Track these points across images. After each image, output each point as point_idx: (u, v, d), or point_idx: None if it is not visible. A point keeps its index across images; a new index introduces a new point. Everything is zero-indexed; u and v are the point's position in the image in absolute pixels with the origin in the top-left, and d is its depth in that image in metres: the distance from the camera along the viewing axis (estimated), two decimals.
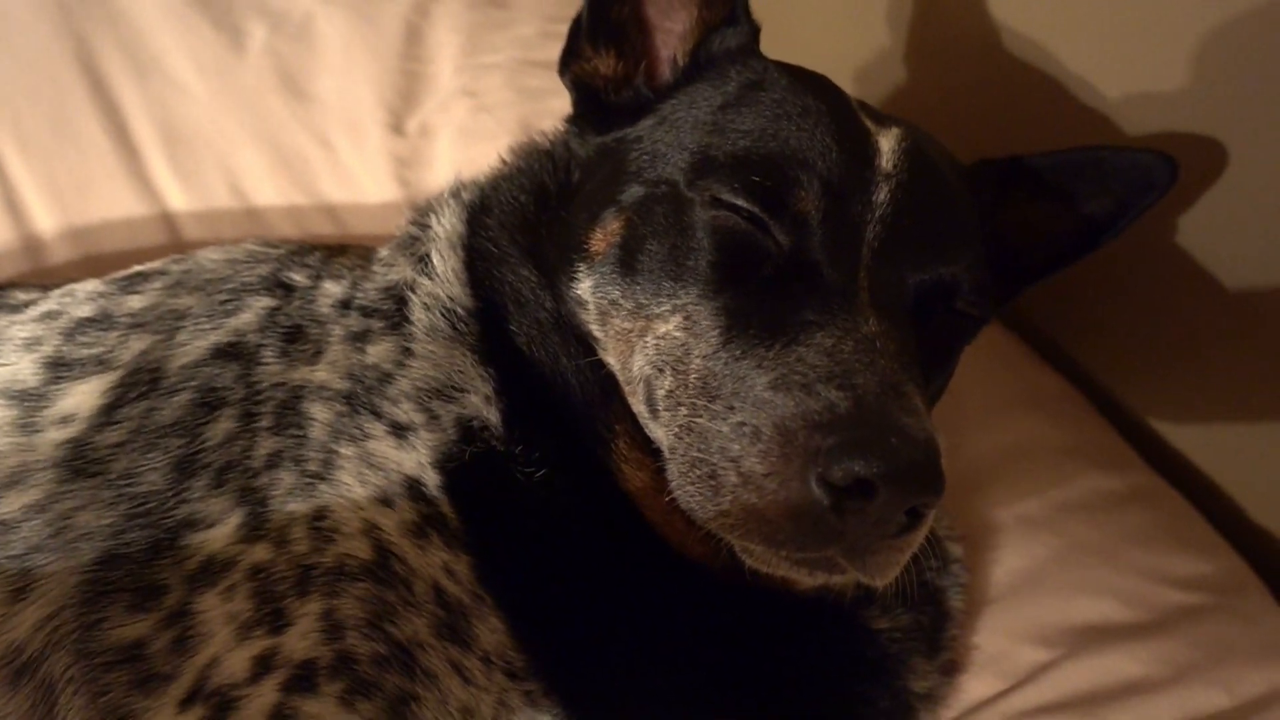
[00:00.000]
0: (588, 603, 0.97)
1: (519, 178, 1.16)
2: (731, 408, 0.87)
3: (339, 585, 0.91)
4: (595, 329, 1.03)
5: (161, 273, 1.17)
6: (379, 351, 1.05)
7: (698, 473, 0.87)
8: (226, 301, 1.10)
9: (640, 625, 0.98)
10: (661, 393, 0.95)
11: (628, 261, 1.00)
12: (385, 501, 0.96)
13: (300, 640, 0.88)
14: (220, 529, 0.94)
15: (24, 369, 1.06)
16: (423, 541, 0.95)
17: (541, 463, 0.98)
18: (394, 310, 1.08)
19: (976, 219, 1.09)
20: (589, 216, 1.05)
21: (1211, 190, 1.29)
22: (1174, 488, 1.40)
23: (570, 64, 1.16)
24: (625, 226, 1.02)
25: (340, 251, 1.20)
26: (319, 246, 1.21)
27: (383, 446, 0.99)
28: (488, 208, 1.14)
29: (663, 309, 0.97)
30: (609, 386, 1.02)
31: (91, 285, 1.16)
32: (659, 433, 0.96)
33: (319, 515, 0.95)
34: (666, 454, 0.93)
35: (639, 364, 0.98)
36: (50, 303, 1.15)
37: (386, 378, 1.03)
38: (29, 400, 1.03)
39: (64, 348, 1.07)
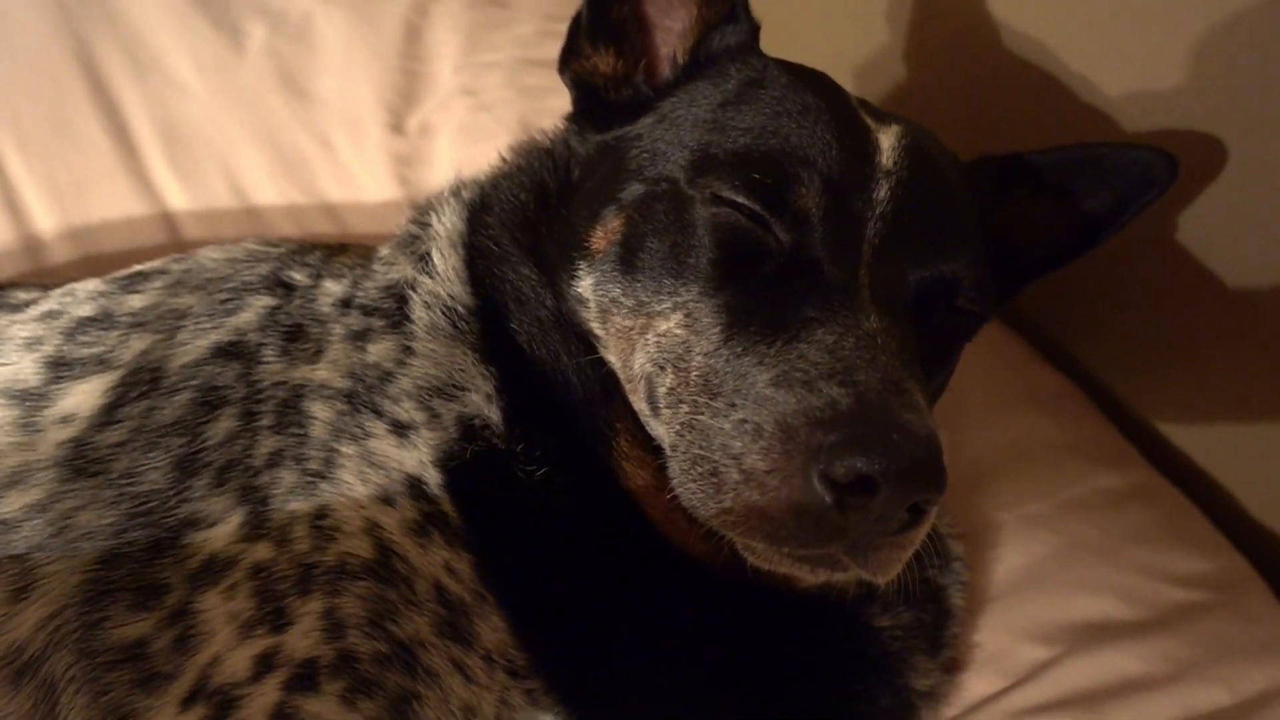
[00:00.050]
0: (589, 601, 0.97)
1: (519, 176, 1.16)
2: (733, 405, 0.87)
3: (340, 584, 0.91)
4: (596, 327, 1.03)
5: (162, 272, 1.17)
6: (380, 350, 1.05)
7: (699, 470, 0.87)
8: (227, 301, 1.10)
9: (641, 623, 0.98)
10: (663, 390, 0.95)
11: (628, 259, 1.00)
12: (386, 500, 0.96)
13: (302, 639, 0.88)
14: (221, 528, 0.94)
15: (25, 368, 1.06)
16: (424, 540, 0.95)
17: (543, 461, 0.98)
18: (395, 309, 1.08)
19: (976, 216, 1.09)
20: (589, 214, 1.05)
21: (1211, 187, 1.29)
22: (1174, 485, 1.40)
23: (570, 62, 1.16)
24: (626, 224, 1.02)
25: (340, 250, 1.20)
26: (319, 245, 1.21)
27: (384, 445, 0.99)
28: (488, 206, 1.14)
29: (664, 306, 0.97)
30: (610, 384, 1.02)
31: (92, 285, 1.16)
32: (660, 430, 0.96)
33: (320, 514, 0.95)
34: (668, 452, 0.93)
35: (640, 362, 0.98)
36: (51, 302, 1.15)
37: (387, 376, 1.03)
38: (30, 400, 1.03)
39: (65, 347, 1.07)
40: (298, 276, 1.13)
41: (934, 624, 1.13)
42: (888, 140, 1.02)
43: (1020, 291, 1.28)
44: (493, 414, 1.00)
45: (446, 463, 0.98)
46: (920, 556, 0.90)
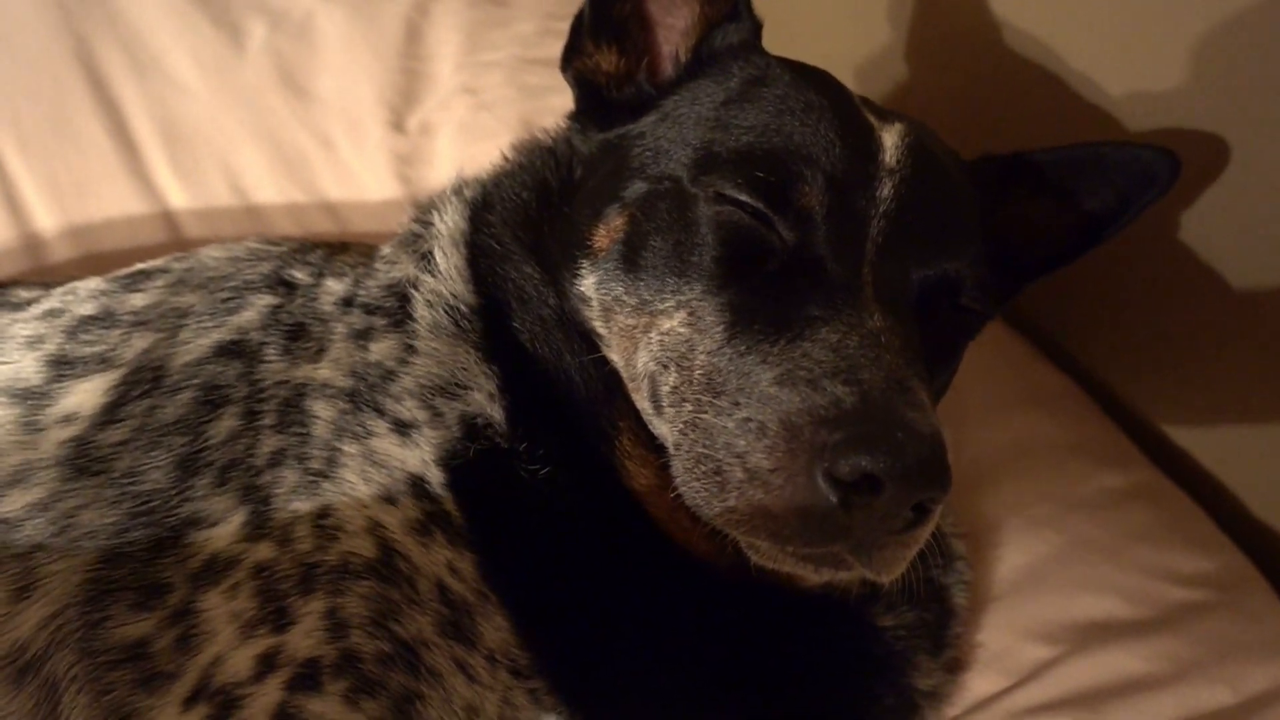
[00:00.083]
0: (592, 600, 0.97)
1: (521, 174, 1.16)
2: (737, 403, 0.86)
3: (343, 583, 0.91)
4: (599, 325, 1.03)
5: (164, 270, 1.16)
6: (382, 349, 1.04)
7: (703, 469, 0.87)
8: (229, 299, 1.10)
9: (645, 623, 0.98)
10: (666, 389, 0.95)
11: (631, 258, 1.00)
12: (389, 499, 0.96)
13: (304, 639, 0.88)
14: (223, 527, 0.94)
15: (26, 367, 1.06)
16: (426, 539, 0.95)
17: (545, 460, 0.98)
18: (397, 307, 1.08)
19: (979, 215, 1.09)
20: (592, 213, 1.05)
21: (1213, 186, 1.29)
22: (1177, 485, 1.40)
23: (572, 60, 1.16)
24: (629, 223, 1.01)
25: (342, 249, 1.20)
26: (321, 244, 1.21)
27: (386, 444, 0.99)
28: (490, 204, 1.14)
29: (667, 305, 0.96)
30: (613, 383, 1.02)
31: (94, 283, 1.16)
32: (663, 429, 0.96)
33: (322, 513, 0.94)
34: (671, 450, 0.93)
35: (643, 360, 0.98)
36: (52, 301, 1.14)
37: (390, 375, 1.02)
38: (31, 398, 1.03)
39: (66, 346, 1.07)
40: (299, 275, 1.13)
41: (937, 623, 1.13)
42: (891, 138, 1.02)
43: (1022, 291, 1.28)
44: (495, 413, 1.00)
45: (449, 462, 0.98)
46: (923, 556, 0.89)
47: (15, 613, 0.92)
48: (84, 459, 0.99)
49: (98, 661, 0.89)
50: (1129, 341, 1.49)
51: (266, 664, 0.87)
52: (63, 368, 1.05)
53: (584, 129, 1.15)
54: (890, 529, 0.82)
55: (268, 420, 1.00)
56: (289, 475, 0.97)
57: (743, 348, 0.89)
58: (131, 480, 0.97)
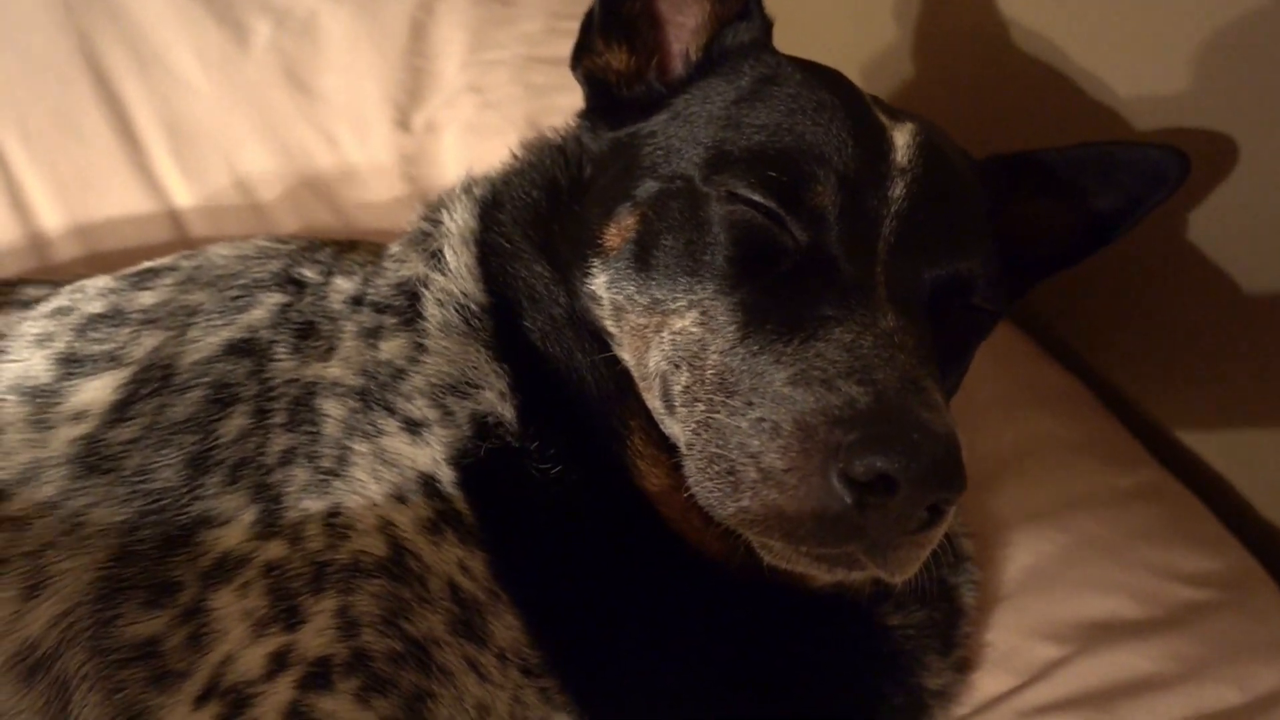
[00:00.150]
0: (603, 599, 0.97)
1: (530, 173, 1.16)
2: (750, 403, 0.86)
3: (354, 582, 0.90)
4: (610, 325, 1.02)
5: (172, 269, 1.16)
6: (392, 347, 1.04)
7: (716, 469, 0.87)
8: (238, 298, 1.10)
9: (655, 622, 0.98)
10: (678, 389, 0.94)
11: (643, 257, 0.99)
12: (400, 498, 0.96)
13: (315, 637, 0.88)
14: (234, 526, 0.94)
15: (36, 365, 1.06)
16: (437, 538, 0.95)
17: (556, 459, 0.98)
18: (406, 306, 1.08)
19: (989, 214, 1.09)
20: (603, 212, 1.05)
21: (1222, 186, 1.29)
22: (1184, 485, 1.40)
23: (582, 59, 1.16)
24: (640, 222, 1.01)
25: (351, 247, 1.20)
26: (329, 242, 1.21)
27: (397, 443, 0.98)
28: (499, 203, 1.14)
29: (679, 304, 0.96)
30: (624, 382, 1.02)
31: (102, 281, 1.16)
32: (675, 429, 0.96)
33: (333, 512, 0.94)
34: (684, 450, 0.92)
35: (655, 360, 0.98)
36: (61, 299, 1.14)
37: (400, 374, 1.02)
38: (41, 396, 1.03)
39: (76, 344, 1.07)
40: (309, 273, 1.13)
41: (946, 623, 1.13)
42: (902, 138, 1.02)
43: (1030, 290, 1.28)
44: (506, 411, 1.00)
45: (460, 460, 0.98)
46: (934, 555, 0.89)
47: (26, 611, 0.92)
48: (94, 457, 0.99)
49: (108, 660, 0.89)
50: (1136, 341, 1.49)
51: (278, 662, 0.87)
52: (72, 366, 1.05)
53: (594, 127, 1.15)
54: (905, 529, 0.81)
55: (278, 419, 1.00)
56: (300, 474, 0.96)
57: (755, 347, 0.89)
58: (142, 478, 0.97)
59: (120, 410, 1.01)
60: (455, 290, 1.07)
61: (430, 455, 0.98)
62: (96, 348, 1.07)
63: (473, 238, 1.11)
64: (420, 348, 1.04)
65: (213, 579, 0.91)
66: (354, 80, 1.70)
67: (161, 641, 0.89)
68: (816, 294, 0.91)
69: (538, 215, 1.11)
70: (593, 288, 1.03)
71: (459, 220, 1.13)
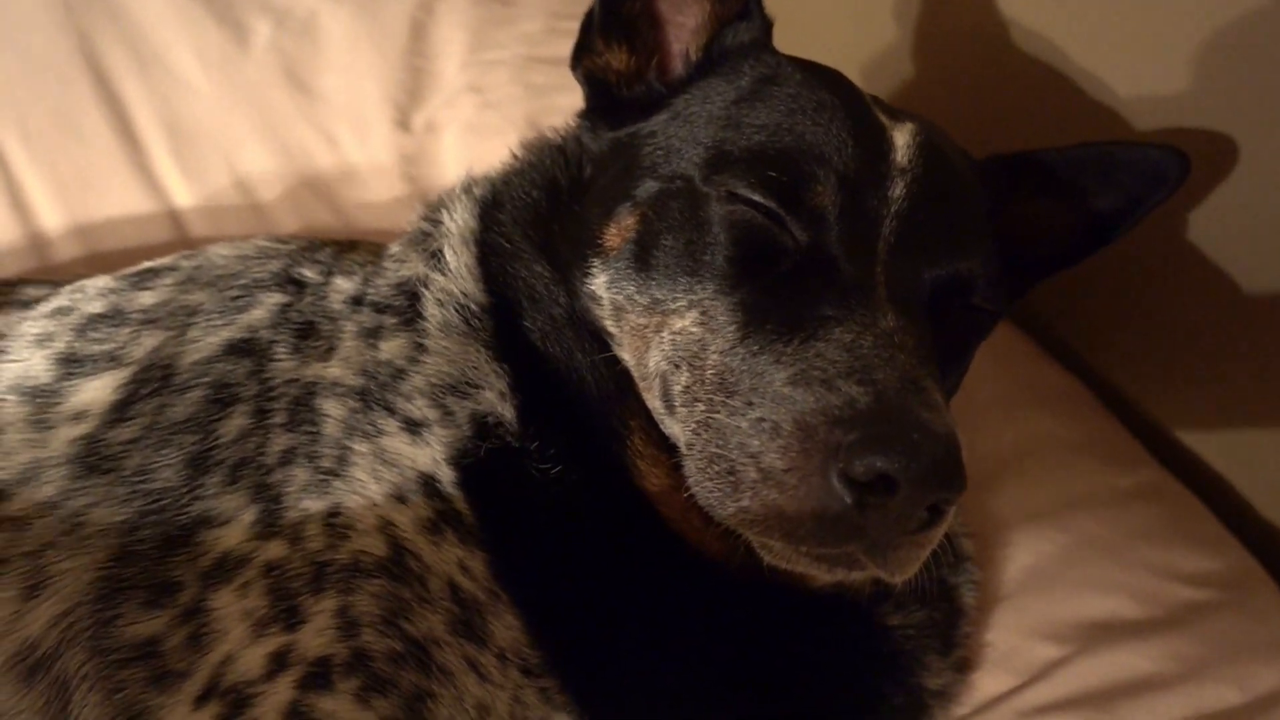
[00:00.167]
0: (603, 599, 0.97)
1: (531, 173, 1.16)
2: (750, 403, 0.86)
3: (354, 582, 0.90)
4: (610, 324, 1.02)
5: (172, 269, 1.16)
6: (392, 347, 1.04)
7: (716, 469, 0.87)
8: (238, 298, 1.10)
9: (655, 622, 0.98)
10: (678, 389, 0.94)
11: (643, 257, 0.99)
12: (400, 498, 0.96)
13: (315, 637, 0.88)
14: (234, 526, 0.94)
15: (36, 365, 1.06)
16: (437, 538, 0.95)
17: (556, 459, 0.98)
18: (406, 306, 1.08)
19: (989, 214, 1.09)
20: (602, 212, 1.05)
21: (1222, 186, 1.29)
22: (1183, 484, 1.40)
23: (582, 59, 1.16)
24: (640, 222, 1.01)
25: (351, 247, 1.19)
26: (329, 242, 1.21)
27: (397, 443, 0.98)
28: (499, 203, 1.14)
29: (679, 304, 0.96)
30: (624, 382, 1.02)
31: (102, 281, 1.16)
32: (675, 429, 0.96)
33: (333, 512, 0.94)
34: (684, 450, 0.92)
35: (655, 360, 0.98)
36: (61, 299, 1.14)
37: (400, 374, 1.02)
38: (41, 396, 1.03)
39: (76, 344, 1.07)
40: (309, 274, 1.13)
41: (946, 623, 1.13)
42: (902, 138, 1.02)
43: (1029, 290, 1.28)
44: (506, 411, 1.00)
45: (460, 460, 0.98)
46: (934, 555, 0.89)
47: (26, 611, 0.92)
48: (94, 457, 0.99)
49: (108, 660, 0.89)
50: (1136, 341, 1.49)
51: (278, 662, 0.86)
52: (72, 366, 1.05)
53: (594, 127, 1.15)
54: (905, 529, 0.81)
55: (278, 419, 1.00)
56: (300, 474, 0.96)
57: (755, 347, 0.89)
58: (142, 478, 0.97)
59: (120, 410, 1.01)
60: (455, 290, 1.07)
61: (430, 455, 0.98)
62: (96, 348, 1.07)
63: (473, 238, 1.11)
64: (420, 348, 1.04)
65: (213, 579, 0.91)
66: (354, 80, 1.70)
67: (161, 641, 0.89)
68: (816, 294, 0.91)
69: (538, 215, 1.11)
70: (593, 288, 1.03)
71: (459, 220, 1.13)
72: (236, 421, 1.00)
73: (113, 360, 1.05)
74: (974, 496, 1.30)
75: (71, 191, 1.56)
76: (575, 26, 1.16)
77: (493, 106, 1.71)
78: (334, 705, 0.85)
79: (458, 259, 1.09)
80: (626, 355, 1.02)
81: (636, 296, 0.99)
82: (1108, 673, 1.16)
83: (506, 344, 1.04)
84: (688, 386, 0.93)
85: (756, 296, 0.93)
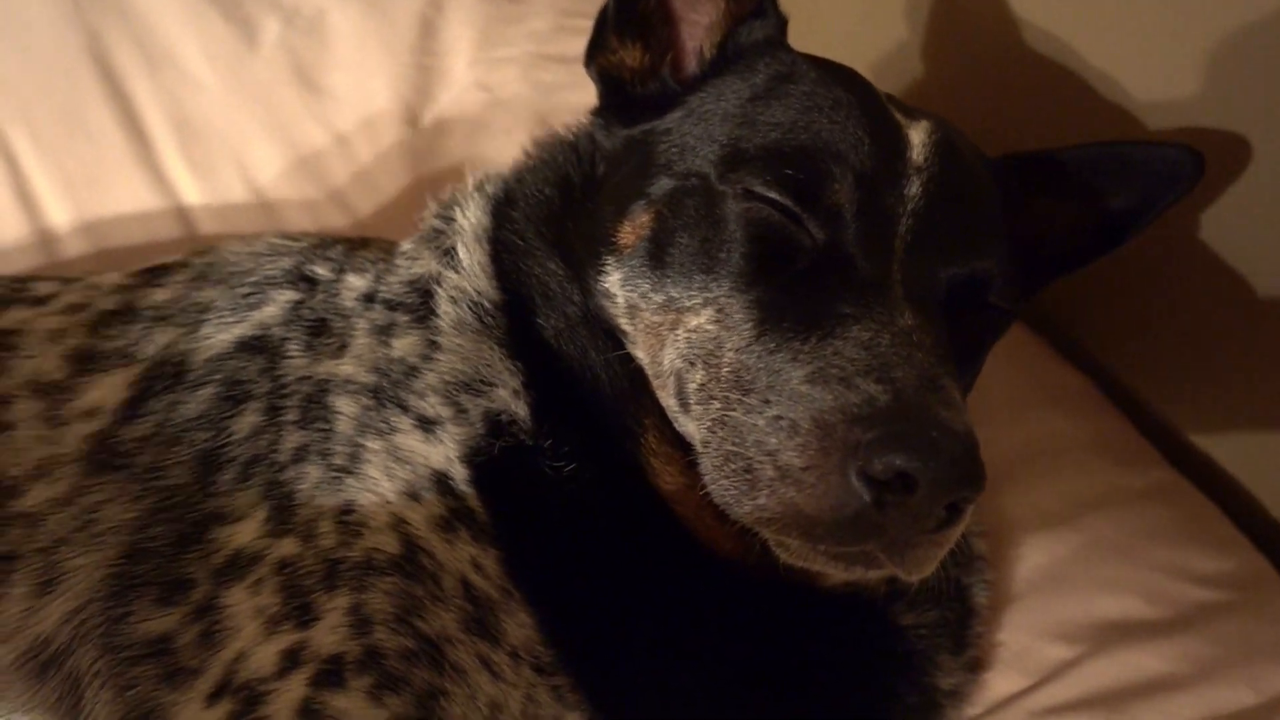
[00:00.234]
0: (616, 598, 0.97)
1: (543, 170, 1.15)
2: (767, 401, 0.86)
3: (367, 579, 0.90)
4: (624, 322, 1.02)
5: (184, 265, 1.16)
6: (405, 345, 1.04)
7: (732, 467, 0.86)
8: (250, 295, 1.10)
9: (669, 620, 0.98)
10: (693, 386, 0.94)
11: (657, 255, 0.99)
12: (413, 495, 0.95)
13: (328, 635, 0.87)
14: (247, 523, 0.93)
15: (48, 362, 1.05)
16: (450, 536, 0.94)
17: (570, 457, 0.98)
18: (419, 303, 1.07)
19: (1003, 213, 1.09)
20: (616, 209, 1.05)
21: (1236, 186, 1.28)
22: (1195, 485, 1.40)
23: (596, 56, 1.15)
24: (655, 220, 1.01)
25: (363, 245, 1.19)
26: (341, 239, 1.21)
27: (410, 440, 0.98)
28: (512, 200, 1.14)
29: (694, 302, 0.96)
30: (638, 380, 1.02)
31: (114, 278, 1.16)
32: (690, 427, 0.95)
33: (346, 509, 0.94)
34: (699, 448, 0.92)
35: (669, 358, 0.97)
36: (73, 295, 1.14)
37: (413, 371, 1.02)
38: (54, 393, 1.03)
39: (88, 340, 1.07)
40: (321, 271, 1.13)
41: (958, 623, 1.13)
42: (918, 136, 1.01)
43: (1041, 290, 1.27)
44: (520, 409, 1.00)
45: (473, 458, 0.97)
46: (948, 554, 0.89)
47: (38, 607, 0.92)
48: (106, 454, 0.99)
49: (121, 657, 0.89)
50: (1149, 342, 1.49)
51: (290, 660, 0.86)
52: (85, 362, 1.05)
53: (607, 125, 1.14)
54: (923, 528, 0.81)
55: (290, 416, 1.00)
56: (312, 471, 0.96)
57: (772, 345, 0.89)
58: (154, 475, 0.97)
59: (133, 407, 1.01)
60: (468, 287, 1.07)
61: (443, 453, 0.97)
62: (109, 344, 1.07)
63: (485, 235, 1.11)
64: (433, 345, 1.04)
65: (225, 576, 0.91)
66: (363, 78, 1.70)
67: (173, 639, 0.88)
68: (833, 292, 0.90)
69: (551, 212, 1.11)
70: (607, 285, 1.03)
71: (471, 217, 1.13)
72: (249, 419, 0.99)
73: (125, 357, 1.05)
74: (986, 496, 1.28)
75: (80, 188, 1.55)
76: (584, 24, 1.16)
77: (502, 104, 1.71)
78: (346, 703, 0.85)
79: (470, 256, 1.09)
80: (641, 353, 1.01)
81: (651, 294, 0.99)
82: (1120, 673, 1.16)
83: (520, 341, 1.04)
84: (703, 384, 0.93)
85: (773, 294, 0.92)
